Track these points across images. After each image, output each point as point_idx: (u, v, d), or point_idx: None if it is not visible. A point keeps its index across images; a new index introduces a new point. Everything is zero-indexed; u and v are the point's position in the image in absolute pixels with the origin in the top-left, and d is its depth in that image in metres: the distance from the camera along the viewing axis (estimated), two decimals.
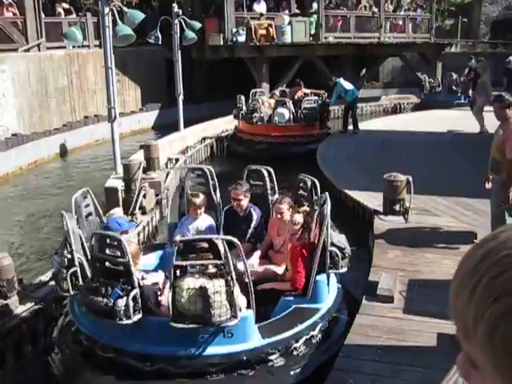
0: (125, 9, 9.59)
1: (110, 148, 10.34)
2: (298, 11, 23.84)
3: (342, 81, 16.62)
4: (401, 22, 26.16)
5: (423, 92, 23.97)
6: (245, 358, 5.02)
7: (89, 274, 5.36)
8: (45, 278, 7.44)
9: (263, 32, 20.93)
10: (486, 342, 0.79)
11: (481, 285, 0.81)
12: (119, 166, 10.12)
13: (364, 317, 5.69)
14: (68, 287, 5.32)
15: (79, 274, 5.32)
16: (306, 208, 6.08)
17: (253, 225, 6.47)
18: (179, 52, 15.40)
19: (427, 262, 6.98)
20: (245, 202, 6.46)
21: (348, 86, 16.58)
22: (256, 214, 6.51)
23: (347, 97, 16.57)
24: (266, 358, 5.10)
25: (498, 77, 21.82)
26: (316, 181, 6.45)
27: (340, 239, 5.71)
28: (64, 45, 18.93)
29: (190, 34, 14.40)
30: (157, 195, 10.49)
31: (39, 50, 18.85)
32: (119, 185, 9.72)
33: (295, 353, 5.23)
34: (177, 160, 14.27)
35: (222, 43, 21.42)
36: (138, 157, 12.43)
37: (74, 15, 21.28)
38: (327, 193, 5.93)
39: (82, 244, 5.71)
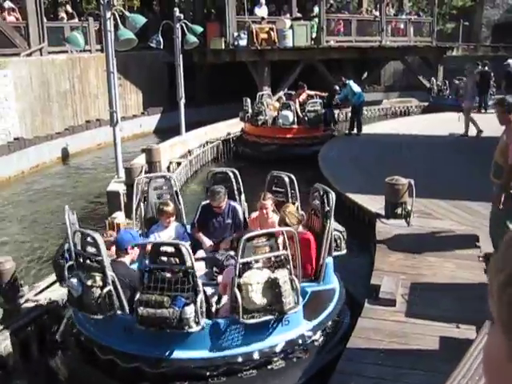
0: (126, 13, 9.62)
1: (112, 152, 10.35)
2: (299, 15, 23.86)
3: (351, 83, 17.02)
4: (402, 26, 26.17)
5: (431, 95, 23.96)
6: (300, 342, 5.30)
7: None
8: (46, 282, 7.45)
9: (265, 36, 20.97)
10: (498, 298, 0.90)
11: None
12: (121, 169, 10.13)
13: (366, 320, 5.68)
14: (104, 307, 5.04)
15: (113, 293, 5.05)
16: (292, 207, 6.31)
17: (238, 215, 6.85)
18: (181, 56, 15.42)
19: (429, 266, 6.96)
20: (224, 203, 6.72)
21: (356, 88, 17.00)
22: (237, 207, 6.89)
23: (354, 99, 16.91)
24: (312, 340, 5.39)
25: (500, 80, 21.89)
26: (330, 192, 6.21)
27: (336, 224, 6.15)
28: (66, 49, 18.98)
29: (192, 38, 14.41)
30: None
31: (41, 54, 18.91)
32: (121, 189, 9.73)
33: (328, 330, 5.62)
34: (178, 164, 14.28)
35: (223, 47, 21.45)
36: (140, 161, 12.46)
37: (77, 19, 21.33)
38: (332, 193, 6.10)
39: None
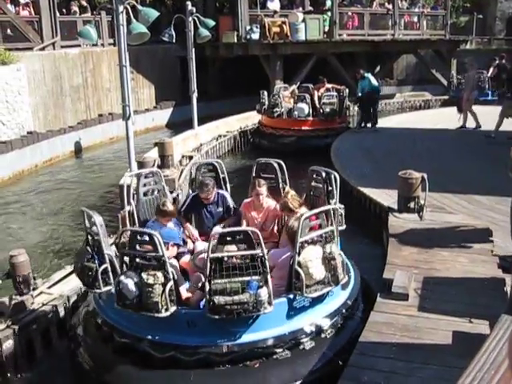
0: (139, 7, 9.60)
1: (125, 146, 10.36)
2: (311, 8, 23.77)
3: (370, 76, 17.06)
4: (415, 19, 25.99)
5: (451, 89, 23.76)
6: (344, 311, 5.75)
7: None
8: (60, 274, 7.50)
9: (277, 29, 20.91)
10: None
11: None
12: (133, 163, 10.15)
13: (378, 314, 5.67)
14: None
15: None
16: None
17: (228, 203, 7.06)
18: (193, 50, 15.41)
19: (442, 260, 6.93)
20: (212, 194, 6.93)
21: (374, 81, 17.06)
22: (226, 195, 7.13)
23: (372, 89, 16.86)
24: (348, 310, 5.82)
25: None
26: (333, 172, 6.57)
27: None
28: (79, 43, 19.05)
29: (204, 32, 14.39)
30: (171, 192, 10.51)
31: (54, 48, 18.99)
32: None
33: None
34: (190, 157, 14.30)
35: (235, 41, 21.43)
36: (152, 154, 12.49)
37: (89, 13, 21.38)
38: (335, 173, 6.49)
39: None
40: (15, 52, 16.46)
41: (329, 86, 17.46)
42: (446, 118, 16.88)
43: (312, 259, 5.16)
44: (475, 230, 7.87)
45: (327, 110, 16.21)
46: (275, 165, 7.40)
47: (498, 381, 1.72)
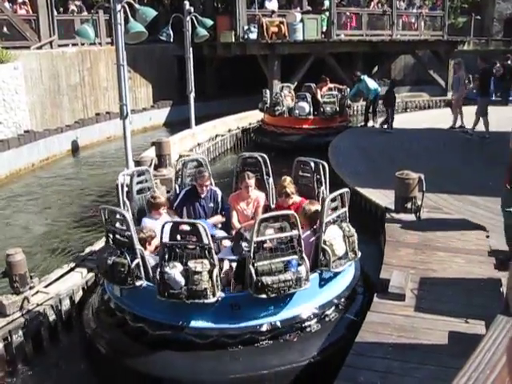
0: (137, 6, 9.59)
1: (122, 145, 10.36)
2: (309, 8, 23.77)
3: (366, 78, 17.39)
4: (413, 20, 26.00)
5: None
6: (354, 285, 6.33)
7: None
8: (56, 273, 7.49)
9: (275, 29, 20.91)
10: None
11: None
12: (131, 162, 10.14)
13: (375, 314, 5.67)
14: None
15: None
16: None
17: (218, 199, 7.46)
18: (191, 49, 15.40)
19: (439, 260, 6.94)
20: (207, 182, 7.35)
21: (371, 83, 17.33)
22: (218, 192, 7.53)
23: (369, 94, 17.31)
24: (357, 284, 6.43)
25: None
26: (321, 162, 7.33)
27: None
28: (76, 42, 19.02)
29: (202, 32, 14.38)
30: (168, 192, 10.51)
31: (51, 47, 18.98)
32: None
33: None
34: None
35: (233, 40, 21.41)
36: (150, 153, 12.47)
37: (85, 13, 21.34)
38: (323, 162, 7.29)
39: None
40: (12, 50, 16.43)
41: (331, 85, 17.89)
42: (448, 118, 16.86)
43: (335, 237, 5.76)
44: (472, 231, 7.88)
45: (328, 108, 16.50)
46: (259, 158, 7.89)
47: (494, 380, 1.73)
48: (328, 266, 5.68)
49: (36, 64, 17.62)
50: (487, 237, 7.68)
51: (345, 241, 5.88)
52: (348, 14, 23.54)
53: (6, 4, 18.51)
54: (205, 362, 5.25)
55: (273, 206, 7.44)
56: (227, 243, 6.72)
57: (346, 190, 6.26)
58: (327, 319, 5.74)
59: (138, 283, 5.49)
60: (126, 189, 7.03)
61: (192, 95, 15.77)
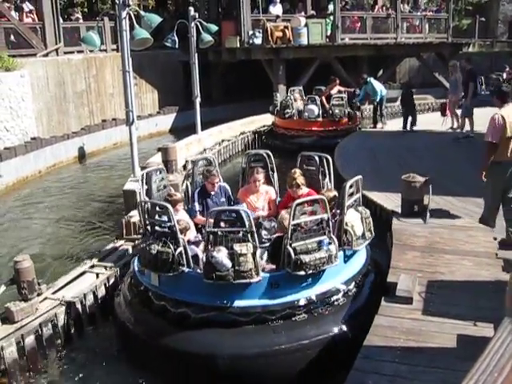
0: (142, 12, 9.66)
1: (128, 151, 10.40)
2: (313, 13, 23.79)
3: (372, 80, 17.68)
4: (417, 23, 26.00)
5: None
6: (368, 264, 6.93)
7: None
8: (64, 280, 7.51)
9: (279, 34, 20.95)
10: None
11: None
12: (137, 168, 10.17)
13: (383, 318, 5.66)
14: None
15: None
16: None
17: (229, 194, 7.88)
18: (196, 55, 15.45)
19: (446, 263, 6.92)
20: (217, 179, 7.72)
21: (377, 85, 17.61)
22: (227, 187, 7.93)
23: (375, 96, 17.50)
24: (370, 264, 7.00)
25: None
26: (325, 156, 7.98)
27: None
28: (82, 49, 19.12)
29: (207, 37, 14.42)
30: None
31: (57, 54, 19.07)
32: (137, 187, 9.77)
33: None
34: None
35: (238, 46, 21.45)
36: (156, 159, 12.51)
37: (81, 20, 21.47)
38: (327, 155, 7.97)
39: None
40: (19, 58, 16.53)
41: (341, 88, 18.22)
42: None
43: (355, 219, 6.40)
44: (479, 234, 7.85)
45: (336, 111, 16.76)
46: (264, 155, 8.36)
47: (502, 383, 1.72)
48: (350, 244, 6.32)
49: (42, 71, 17.71)
50: (495, 239, 7.65)
51: (362, 222, 6.48)
52: (352, 17, 23.56)
53: (13, 13, 18.63)
54: (250, 337, 5.76)
55: (278, 199, 8.00)
56: None
57: (359, 177, 6.74)
58: (350, 294, 6.32)
59: (181, 270, 5.92)
60: (145, 187, 7.31)
61: (198, 101, 15.80)
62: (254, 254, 5.68)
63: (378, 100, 17.51)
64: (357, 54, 23.79)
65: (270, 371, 5.71)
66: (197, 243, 6.72)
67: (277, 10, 22.51)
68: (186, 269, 5.95)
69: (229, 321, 5.77)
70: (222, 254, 5.63)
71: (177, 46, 14.47)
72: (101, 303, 7.43)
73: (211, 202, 7.60)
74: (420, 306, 5.88)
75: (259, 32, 21.04)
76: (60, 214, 12.54)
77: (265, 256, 6.38)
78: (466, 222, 8.37)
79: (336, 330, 5.92)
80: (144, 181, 7.30)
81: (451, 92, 16.63)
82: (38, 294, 6.81)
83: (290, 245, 5.81)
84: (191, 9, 15.06)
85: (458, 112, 16.28)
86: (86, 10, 22.35)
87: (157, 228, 6.18)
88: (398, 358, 4.98)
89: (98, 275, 7.71)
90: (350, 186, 6.45)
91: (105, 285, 7.60)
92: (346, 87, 18.86)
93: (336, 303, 6.15)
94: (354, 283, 6.42)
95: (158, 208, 6.21)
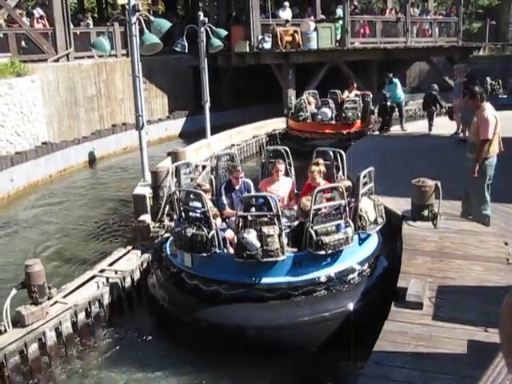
0: (151, 18, 9.70)
1: (138, 155, 10.43)
2: (323, 17, 23.80)
3: (398, 82, 17.81)
4: (427, 26, 25.93)
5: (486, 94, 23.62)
6: (379, 248, 7.56)
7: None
8: (74, 284, 7.54)
9: (289, 38, 20.97)
10: None
11: None
12: (147, 173, 10.20)
13: (393, 323, 5.63)
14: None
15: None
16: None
17: (251, 189, 8.36)
18: (205, 60, 15.48)
19: (457, 268, 6.88)
20: (241, 174, 8.27)
21: (400, 88, 17.79)
22: (250, 183, 8.43)
23: (394, 99, 17.49)
24: (381, 248, 7.64)
25: None
26: (339, 151, 8.74)
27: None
28: (92, 54, 19.22)
29: (217, 42, 14.45)
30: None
31: (68, 59, 19.18)
32: (147, 192, 9.79)
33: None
34: (204, 167, 14.35)
35: (248, 50, 21.49)
36: (166, 164, 12.52)
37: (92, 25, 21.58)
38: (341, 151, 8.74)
39: None
40: (30, 64, 16.65)
41: (358, 92, 18.43)
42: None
43: (368, 206, 7.04)
44: (490, 238, 7.80)
45: (349, 114, 16.90)
46: (282, 150, 9.09)
47: None
48: (365, 228, 6.96)
49: (53, 76, 17.82)
50: (506, 244, 7.60)
51: (375, 209, 7.13)
52: (362, 21, 23.55)
53: (24, 19, 18.78)
54: (276, 310, 6.40)
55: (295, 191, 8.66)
56: None
57: (372, 168, 7.35)
58: (364, 273, 7.00)
59: (214, 251, 6.51)
60: (174, 179, 7.97)
61: (207, 105, 15.82)
62: (279, 236, 6.30)
63: (395, 103, 17.44)
64: (367, 58, 23.75)
65: (293, 341, 6.40)
66: (223, 230, 7.19)
67: (286, 14, 22.55)
68: (217, 250, 6.57)
69: (257, 297, 6.43)
70: (251, 236, 6.24)
71: (186, 50, 14.51)
72: (108, 308, 7.47)
73: (235, 196, 8.06)
74: (430, 311, 5.85)
75: (269, 36, 21.09)
76: (70, 218, 12.60)
77: (285, 241, 6.75)
78: (476, 227, 8.32)
79: (352, 305, 6.57)
80: (174, 173, 8.04)
81: (455, 96, 16.56)
82: (49, 298, 6.84)
83: (312, 227, 6.44)
84: (201, 14, 15.11)
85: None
86: (96, 15, 22.41)
87: (191, 214, 6.79)
88: (408, 363, 4.95)
89: (107, 279, 7.73)
90: (364, 176, 7.07)
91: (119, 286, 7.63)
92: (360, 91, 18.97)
93: (352, 281, 6.82)
94: (367, 264, 7.09)
95: (192, 196, 6.82)
